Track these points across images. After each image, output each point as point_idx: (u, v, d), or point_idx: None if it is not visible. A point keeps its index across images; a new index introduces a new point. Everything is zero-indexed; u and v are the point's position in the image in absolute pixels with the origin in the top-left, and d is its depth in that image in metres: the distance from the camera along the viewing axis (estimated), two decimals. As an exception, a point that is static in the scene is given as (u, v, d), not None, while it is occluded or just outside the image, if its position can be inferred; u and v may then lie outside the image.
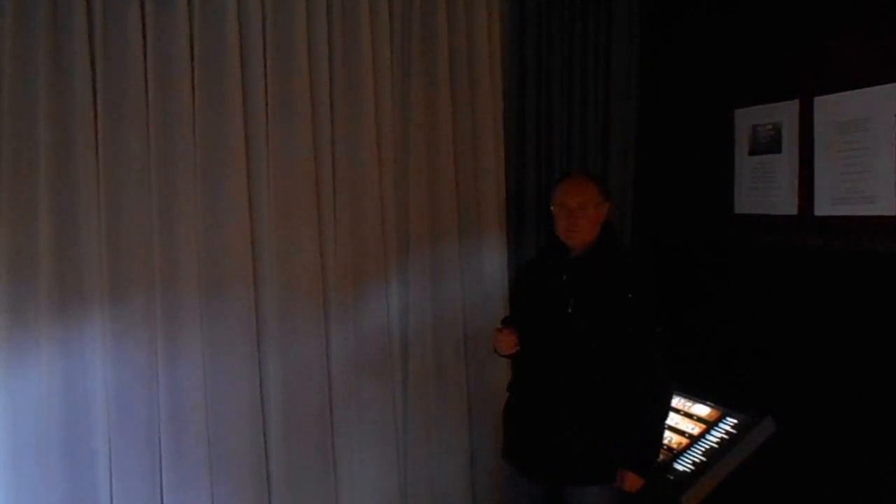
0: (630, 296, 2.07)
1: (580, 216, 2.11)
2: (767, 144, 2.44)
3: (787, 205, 2.37)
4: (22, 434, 2.09)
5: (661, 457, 2.40)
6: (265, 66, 2.32)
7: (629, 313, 2.06)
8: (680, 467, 2.33)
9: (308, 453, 2.42)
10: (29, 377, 2.10)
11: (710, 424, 2.43)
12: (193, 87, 2.24)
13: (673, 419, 2.56)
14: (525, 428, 2.19)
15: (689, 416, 2.54)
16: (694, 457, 2.33)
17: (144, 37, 2.18)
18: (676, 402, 2.63)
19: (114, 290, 2.18)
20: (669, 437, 2.47)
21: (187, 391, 2.26)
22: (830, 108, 2.21)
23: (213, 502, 2.31)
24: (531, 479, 2.21)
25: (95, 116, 2.15)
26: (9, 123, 2.07)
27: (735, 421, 2.38)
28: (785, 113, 2.37)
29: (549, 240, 2.27)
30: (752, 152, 2.51)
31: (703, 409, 2.53)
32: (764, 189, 2.46)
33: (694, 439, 2.41)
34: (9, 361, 2.08)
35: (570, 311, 2.08)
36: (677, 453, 2.39)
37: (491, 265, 2.64)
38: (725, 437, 2.34)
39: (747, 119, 2.52)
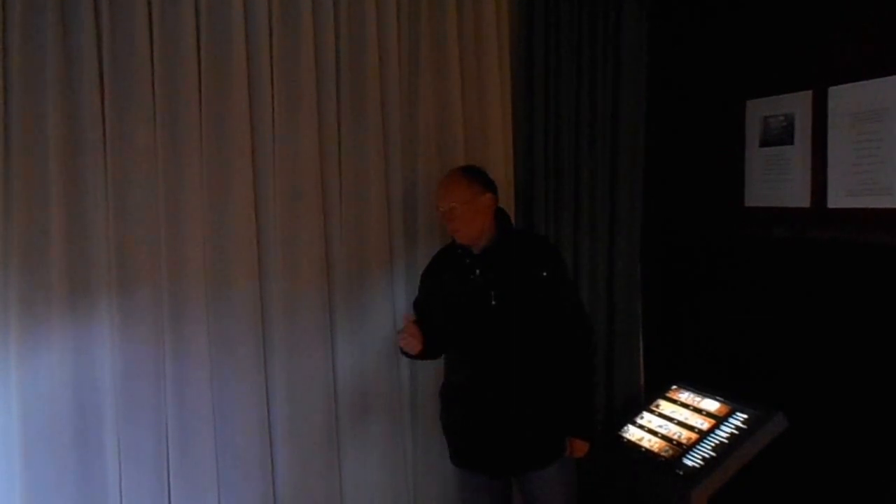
0: (544, 274, 2.12)
1: (452, 217, 2.13)
2: (779, 136, 2.41)
3: (799, 197, 2.34)
4: (33, 425, 2.11)
5: (671, 452, 2.39)
6: (271, 60, 2.31)
7: (548, 291, 2.12)
8: (689, 462, 2.31)
9: (313, 445, 2.42)
10: (39, 369, 2.12)
11: (719, 420, 2.41)
12: (200, 82, 2.24)
13: (682, 414, 2.54)
14: (473, 429, 2.18)
15: (698, 411, 2.52)
16: (703, 452, 2.32)
17: (151, 32, 2.18)
18: (685, 396, 2.62)
19: (122, 283, 2.19)
20: (679, 433, 2.46)
21: (194, 383, 2.26)
22: (845, 98, 2.17)
23: (219, 493, 2.32)
24: (489, 477, 2.23)
25: (103, 111, 2.15)
26: (18, 118, 2.08)
27: (745, 416, 2.36)
28: (798, 103, 2.33)
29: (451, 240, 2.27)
30: (764, 144, 2.47)
31: (712, 404, 2.50)
32: (775, 181, 2.43)
33: (703, 434, 2.39)
34: (20, 354, 2.10)
35: (493, 303, 2.10)
36: (687, 448, 2.37)
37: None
38: (736, 432, 2.32)
39: (759, 110, 2.48)
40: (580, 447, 2.20)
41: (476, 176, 2.19)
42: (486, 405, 2.14)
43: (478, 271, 2.15)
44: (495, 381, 2.12)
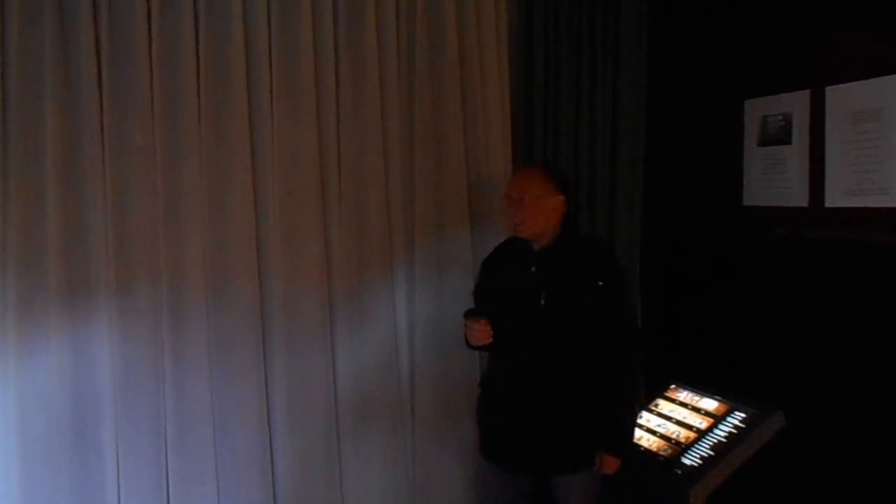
0: (600, 283, 2.09)
1: (520, 208, 2.13)
2: (777, 135, 2.41)
3: (797, 196, 2.34)
4: (31, 427, 2.11)
5: (669, 451, 2.39)
6: (270, 58, 2.31)
7: (600, 301, 2.09)
8: (687, 461, 2.31)
9: (313, 445, 2.42)
10: (37, 370, 2.12)
11: (717, 419, 2.41)
12: (199, 80, 2.24)
13: (681, 413, 2.55)
14: (507, 423, 2.18)
15: (696, 410, 2.52)
16: (702, 451, 2.32)
17: (150, 30, 2.18)
18: (684, 396, 2.62)
19: (120, 283, 2.19)
20: (677, 432, 2.46)
21: (193, 384, 2.26)
22: (843, 97, 2.17)
23: (218, 494, 2.32)
24: (513, 473, 2.22)
25: (101, 110, 2.15)
26: (16, 117, 2.08)
27: (744, 415, 2.36)
28: (796, 103, 2.33)
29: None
30: (762, 143, 2.47)
31: (710, 404, 2.51)
32: (774, 180, 2.43)
33: (702, 433, 2.39)
34: (18, 355, 2.10)
35: (542, 303, 2.09)
36: (685, 447, 2.37)
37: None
38: (734, 431, 2.32)
39: (757, 110, 2.48)
40: (610, 463, 2.13)
41: (553, 175, 2.20)
42: (517, 401, 2.14)
43: (533, 269, 2.15)
44: (531, 379, 2.12)
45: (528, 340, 2.12)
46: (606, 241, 2.70)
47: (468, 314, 2.22)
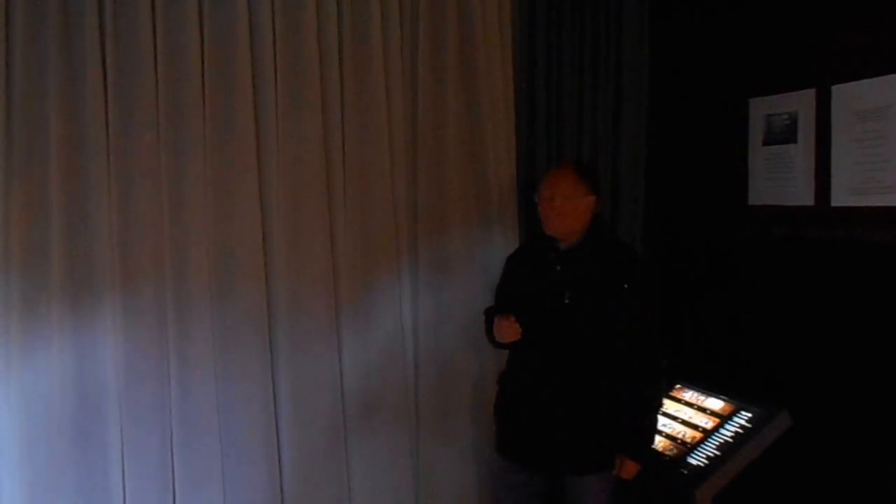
0: (625, 286, 2.09)
1: (551, 206, 2.14)
2: (782, 134, 2.41)
3: (802, 195, 2.34)
4: (35, 426, 2.11)
5: (675, 451, 2.39)
6: (275, 59, 2.31)
7: (625, 303, 2.09)
8: (693, 461, 2.30)
9: (320, 445, 2.41)
10: (41, 369, 2.12)
11: (723, 419, 2.41)
12: (203, 81, 2.24)
13: (686, 413, 2.54)
14: (522, 421, 2.18)
15: (702, 410, 2.51)
16: (708, 451, 2.31)
17: (154, 31, 2.18)
18: (689, 395, 2.61)
19: (125, 282, 2.19)
20: (683, 432, 2.45)
21: (198, 383, 2.26)
22: (848, 96, 2.17)
23: (224, 493, 2.31)
24: (528, 472, 2.22)
25: (106, 110, 2.15)
26: (21, 117, 2.08)
27: (749, 415, 2.35)
28: (801, 102, 2.33)
29: (539, 230, 2.27)
30: (767, 142, 2.47)
31: (716, 403, 2.50)
32: (779, 180, 2.43)
33: (707, 433, 2.39)
34: (21, 354, 2.10)
35: (567, 301, 2.10)
36: (691, 447, 2.37)
37: (503, 255, 2.61)
38: (740, 431, 2.32)
39: (762, 108, 2.48)
40: (629, 468, 2.13)
41: (586, 176, 2.21)
42: (526, 400, 2.15)
43: (558, 268, 2.16)
44: (551, 378, 2.12)
45: (551, 339, 2.12)
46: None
47: (488, 311, 2.21)
